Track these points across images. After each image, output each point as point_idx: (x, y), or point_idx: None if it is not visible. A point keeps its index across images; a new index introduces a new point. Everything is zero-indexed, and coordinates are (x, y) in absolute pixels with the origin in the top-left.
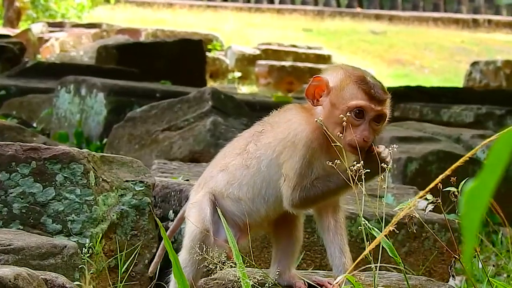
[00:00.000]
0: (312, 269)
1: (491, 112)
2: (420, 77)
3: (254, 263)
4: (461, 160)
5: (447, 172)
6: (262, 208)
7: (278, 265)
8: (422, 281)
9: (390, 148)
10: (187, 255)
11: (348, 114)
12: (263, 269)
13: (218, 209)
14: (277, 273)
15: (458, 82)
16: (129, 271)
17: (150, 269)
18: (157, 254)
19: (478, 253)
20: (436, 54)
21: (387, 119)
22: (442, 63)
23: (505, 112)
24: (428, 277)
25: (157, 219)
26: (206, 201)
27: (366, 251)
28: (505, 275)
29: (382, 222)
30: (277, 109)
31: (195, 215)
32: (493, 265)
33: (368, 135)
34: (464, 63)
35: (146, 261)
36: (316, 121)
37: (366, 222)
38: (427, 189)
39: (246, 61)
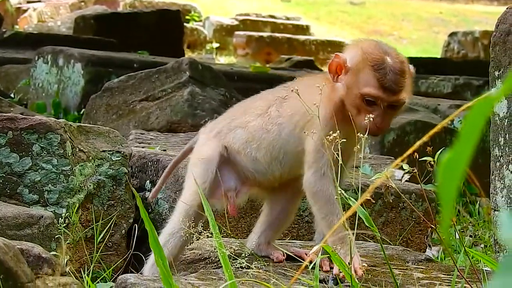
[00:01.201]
0: (288, 239)
1: (469, 83)
2: (398, 48)
3: (230, 233)
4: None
5: (424, 139)
6: (277, 171)
7: (260, 235)
8: (399, 251)
9: (366, 118)
10: (182, 214)
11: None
12: (240, 239)
13: (218, 173)
14: (254, 243)
15: (436, 52)
16: (106, 241)
17: (150, 195)
18: (159, 180)
19: (455, 223)
20: (414, 25)
21: (404, 105)
22: (420, 34)
23: (483, 82)
24: (405, 247)
25: (134, 189)
26: (214, 160)
27: (342, 220)
28: (482, 245)
29: (358, 192)
30: (255, 80)
31: (200, 173)
32: (470, 236)
33: (381, 122)
34: (442, 34)
35: (123, 231)
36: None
37: (343, 192)
38: (402, 157)
39: (224, 32)
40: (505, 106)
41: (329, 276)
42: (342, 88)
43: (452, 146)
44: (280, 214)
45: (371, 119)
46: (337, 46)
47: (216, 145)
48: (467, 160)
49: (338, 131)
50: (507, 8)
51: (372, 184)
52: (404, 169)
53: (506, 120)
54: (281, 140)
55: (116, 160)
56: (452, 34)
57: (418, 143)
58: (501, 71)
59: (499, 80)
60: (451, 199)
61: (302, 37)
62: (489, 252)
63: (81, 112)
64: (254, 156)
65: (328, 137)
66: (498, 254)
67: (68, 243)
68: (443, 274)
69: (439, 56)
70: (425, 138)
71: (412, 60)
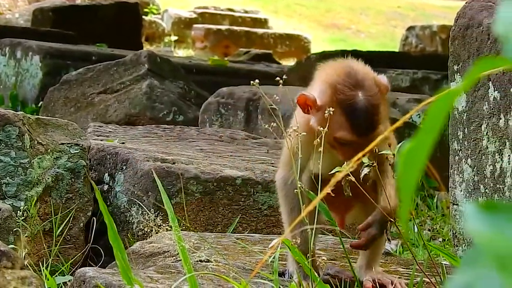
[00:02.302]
0: (247, 232)
1: (427, 77)
2: (356, 42)
3: (189, 226)
4: (399, 122)
5: (386, 133)
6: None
7: (360, 257)
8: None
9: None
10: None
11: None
12: (199, 233)
13: None
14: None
15: (394, 46)
16: (64, 234)
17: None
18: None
19: (414, 217)
20: (372, 19)
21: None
22: (378, 28)
23: (441, 77)
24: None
25: (93, 182)
26: None
27: (303, 214)
28: (440, 239)
29: (318, 185)
30: (213, 73)
31: None
32: (429, 229)
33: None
34: (400, 28)
35: (81, 224)
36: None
37: (302, 185)
38: (363, 152)
39: (182, 25)
40: (464, 100)
41: (286, 269)
42: (315, 120)
43: (412, 138)
44: None
45: (347, 157)
46: (295, 39)
47: None
48: (427, 153)
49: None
50: (466, 3)
51: (333, 177)
52: (363, 162)
53: (465, 114)
54: None
55: (75, 153)
56: (410, 28)
57: (380, 137)
58: (460, 65)
59: (458, 74)
60: (411, 191)
61: (260, 31)
62: (447, 246)
63: (39, 105)
64: None
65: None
66: (457, 248)
67: (26, 237)
68: (402, 268)
69: (397, 50)
70: (386, 133)
71: (370, 53)
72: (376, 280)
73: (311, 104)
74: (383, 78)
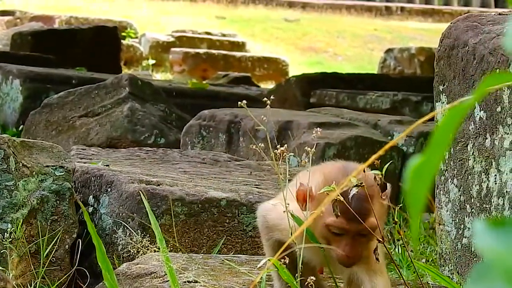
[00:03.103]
0: (233, 254)
1: (407, 99)
2: (333, 65)
3: (178, 246)
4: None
5: (380, 152)
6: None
7: None
8: None
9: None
10: None
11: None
12: (186, 253)
13: None
14: None
15: (372, 69)
16: (50, 256)
17: None
18: None
19: (397, 238)
20: (350, 42)
21: (376, 229)
22: (356, 51)
23: (421, 98)
24: None
25: (80, 203)
26: None
27: (292, 237)
28: (424, 260)
29: (306, 206)
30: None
31: None
32: (411, 250)
33: (351, 251)
34: (377, 51)
35: (67, 246)
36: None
37: (292, 211)
38: (355, 172)
39: (160, 48)
40: None
41: None
42: (309, 217)
43: (422, 152)
44: None
45: (340, 250)
46: (273, 63)
47: None
48: (437, 167)
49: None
50: (451, 23)
51: (323, 200)
52: (352, 182)
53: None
54: None
55: (60, 175)
56: (388, 51)
57: (373, 157)
58: (445, 85)
59: (443, 94)
60: (420, 206)
61: (238, 54)
62: (431, 266)
63: (20, 129)
64: None
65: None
66: (442, 268)
67: (12, 258)
68: None
69: (375, 73)
70: (381, 152)
71: (349, 76)
72: None
73: (307, 194)
74: (387, 183)
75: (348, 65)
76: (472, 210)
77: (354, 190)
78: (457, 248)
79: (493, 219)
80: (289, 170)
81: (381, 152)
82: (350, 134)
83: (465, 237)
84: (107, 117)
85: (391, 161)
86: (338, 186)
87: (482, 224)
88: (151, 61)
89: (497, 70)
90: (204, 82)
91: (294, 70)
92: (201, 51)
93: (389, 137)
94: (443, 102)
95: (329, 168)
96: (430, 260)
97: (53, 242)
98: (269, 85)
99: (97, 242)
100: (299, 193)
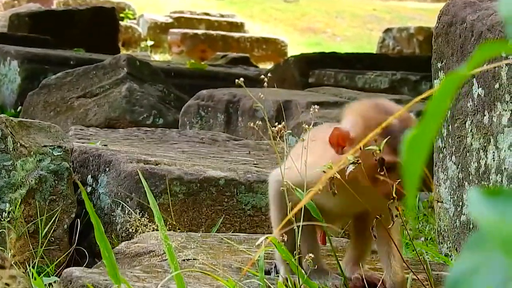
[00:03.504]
0: (232, 232)
1: (406, 78)
2: (332, 45)
3: (176, 224)
4: (386, 122)
5: (377, 130)
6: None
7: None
8: (343, 242)
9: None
10: None
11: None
12: (185, 232)
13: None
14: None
15: (371, 49)
16: (48, 236)
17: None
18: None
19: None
20: (348, 22)
21: None
22: (354, 31)
23: (420, 77)
24: (349, 239)
25: (79, 183)
26: None
27: (291, 214)
28: (422, 238)
29: (304, 182)
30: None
31: None
32: (410, 229)
33: (389, 189)
34: (376, 31)
35: (65, 226)
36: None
37: (290, 183)
38: (353, 149)
39: (158, 29)
40: None
41: (272, 267)
42: (348, 160)
43: (417, 124)
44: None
45: (384, 189)
46: (271, 43)
47: None
48: (433, 137)
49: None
50: (449, 0)
51: (321, 177)
52: (348, 159)
53: (449, 112)
54: None
55: (58, 155)
56: (387, 31)
57: (369, 136)
58: (443, 63)
59: (441, 71)
60: (417, 177)
61: (236, 35)
62: (430, 245)
63: (18, 110)
64: None
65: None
66: (441, 245)
67: (10, 238)
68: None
69: (374, 52)
70: (378, 130)
71: (348, 55)
72: (365, 278)
73: (345, 138)
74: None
75: (347, 45)
76: (471, 187)
77: (351, 168)
78: (456, 225)
79: (489, 189)
80: (287, 150)
81: (378, 129)
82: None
83: (464, 214)
84: (105, 97)
85: (388, 137)
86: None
87: (477, 193)
88: (150, 42)
89: None
90: (202, 63)
91: (293, 51)
92: (199, 32)
93: None
94: (441, 80)
95: (363, 108)
96: (429, 238)
97: (51, 222)
98: (268, 65)
99: (95, 221)
100: (334, 136)
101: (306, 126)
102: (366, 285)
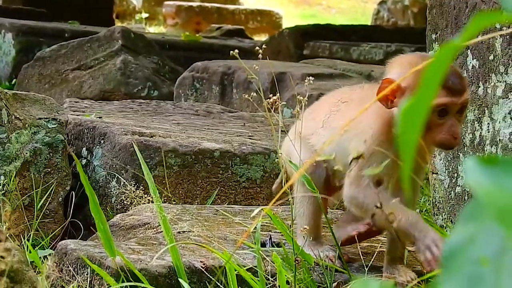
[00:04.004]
0: (227, 204)
1: (401, 50)
2: (327, 17)
3: (171, 196)
4: (380, 94)
5: (366, 107)
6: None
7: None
8: (338, 214)
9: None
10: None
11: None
12: (180, 204)
13: None
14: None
15: (366, 21)
16: (44, 209)
17: (274, 187)
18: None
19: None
20: None
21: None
22: (349, 3)
23: (415, 49)
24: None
25: (74, 155)
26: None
27: (286, 186)
28: (417, 210)
29: (299, 156)
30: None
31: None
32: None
33: (457, 131)
34: (371, 3)
35: (60, 198)
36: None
37: (286, 156)
38: (345, 125)
39: (153, 2)
40: None
41: (267, 239)
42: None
43: (413, 94)
44: None
45: (446, 133)
46: (266, 15)
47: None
48: (428, 108)
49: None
50: None
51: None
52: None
53: None
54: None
55: (53, 127)
56: (382, 3)
57: (360, 111)
58: (438, 34)
59: (436, 43)
60: (412, 148)
61: (231, 7)
62: (424, 216)
63: (13, 82)
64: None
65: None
66: (436, 216)
67: (5, 211)
68: (382, 237)
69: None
70: (371, 103)
71: (343, 27)
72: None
73: (395, 88)
74: None
75: (342, 17)
76: (466, 158)
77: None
78: (451, 196)
79: (485, 157)
80: (282, 121)
81: (371, 103)
82: (344, 85)
83: (459, 185)
84: (100, 70)
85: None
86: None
87: (473, 162)
88: (144, 15)
89: None
90: (197, 35)
91: (288, 23)
92: (194, 4)
93: None
94: (436, 51)
95: (410, 59)
96: (424, 210)
97: (46, 195)
98: (263, 37)
99: (90, 193)
100: (380, 89)
101: (300, 98)
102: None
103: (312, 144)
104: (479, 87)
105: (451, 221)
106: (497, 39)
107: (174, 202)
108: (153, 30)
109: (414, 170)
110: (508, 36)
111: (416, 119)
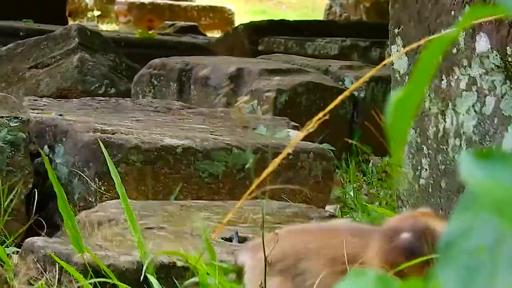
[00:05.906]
0: (190, 200)
1: (356, 44)
2: (278, 13)
3: (133, 192)
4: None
5: (336, 102)
6: None
7: None
8: (303, 208)
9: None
10: None
11: None
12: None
13: None
14: None
15: (316, 16)
16: (8, 208)
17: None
18: None
19: (349, 182)
20: None
21: None
22: None
23: (370, 43)
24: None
25: (42, 152)
26: None
27: (253, 186)
28: (377, 203)
29: (276, 154)
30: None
31: None
32: (365, 194)
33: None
34: None
35: (23, 196)
36: None
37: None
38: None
39: (105, 0)
40: (405, 63)
41: (233, 234)
42: None
43: (404, 86)
44: None
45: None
46: (218, 12)
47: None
48: (419, 101)
49: None
50: None
51: (287, 146)
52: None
53: (407, 77)
54: None
55: (14, 125)
56: None
57: (331, 105)
58: (400, 28)
59: (398, 37)
60: (403, 139)
61: (183, 3)
62: (385, 209)
63: None
64: None
65: None
66: (400, 209)
67: None
68: None
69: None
70: (337, 101)
71: (297, 22)
72: None
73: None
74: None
75: (292, 13)
76: (429, 151)
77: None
78: (414, 189)
79: (479, 151)
80: (242, 117)
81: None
82: (302, 80)
83: (422, 178)
84: (57, 68)
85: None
86: None
87: (468, 155)
88: (96, 12)
89: (452, 12)
90: (150, 32)
91: (240, 19)
92: (146, 1)
93: (340, 82)
94: (399, 45)
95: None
96: (385, 203)
97: (11, 193)
98: (216, 34)
99: (59, 190)
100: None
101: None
102: None
103: None
104: (442, 80)
105: None
106: (459, 32)
107: (137, 199)
108: (106, 27)
109: None
110: (470, 30)
111: (407, 111)
